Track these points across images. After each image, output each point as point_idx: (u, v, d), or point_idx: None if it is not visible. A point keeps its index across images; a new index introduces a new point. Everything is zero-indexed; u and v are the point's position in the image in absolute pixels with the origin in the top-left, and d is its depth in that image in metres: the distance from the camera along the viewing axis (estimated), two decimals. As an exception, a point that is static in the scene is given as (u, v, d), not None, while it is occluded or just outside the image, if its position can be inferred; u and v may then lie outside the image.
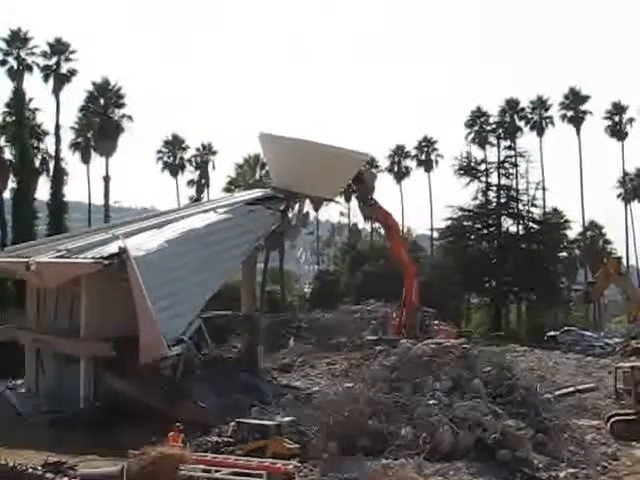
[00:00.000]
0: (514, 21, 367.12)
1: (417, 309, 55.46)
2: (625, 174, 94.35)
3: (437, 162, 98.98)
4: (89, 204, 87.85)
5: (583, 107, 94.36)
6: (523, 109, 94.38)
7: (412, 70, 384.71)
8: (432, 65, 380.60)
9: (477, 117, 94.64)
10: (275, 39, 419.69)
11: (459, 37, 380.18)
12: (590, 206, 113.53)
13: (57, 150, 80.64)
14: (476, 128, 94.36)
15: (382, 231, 72.31)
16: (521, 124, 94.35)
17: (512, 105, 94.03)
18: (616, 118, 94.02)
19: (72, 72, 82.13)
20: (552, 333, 67.84)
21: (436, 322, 57.60)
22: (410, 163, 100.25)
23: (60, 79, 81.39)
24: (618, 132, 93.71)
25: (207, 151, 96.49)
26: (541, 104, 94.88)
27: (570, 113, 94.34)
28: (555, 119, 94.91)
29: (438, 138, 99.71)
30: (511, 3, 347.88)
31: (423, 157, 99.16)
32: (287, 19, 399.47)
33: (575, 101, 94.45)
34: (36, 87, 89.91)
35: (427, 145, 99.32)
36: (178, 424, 28.83)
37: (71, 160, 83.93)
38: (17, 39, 79.81)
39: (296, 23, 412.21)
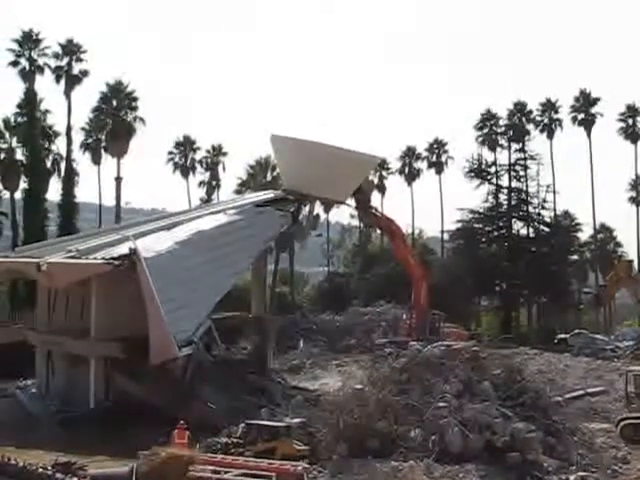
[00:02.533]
0: (521, 23, 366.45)
1: (426, 312, 55.41)
2: (638, 177, 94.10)
3: (447, 163, 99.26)
4: (99, 205, 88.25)
5: (594, 110, 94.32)
6: (531, 112, 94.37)
7: (419, 71, 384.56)
8: (438, 66, 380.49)
9: (487, 119, 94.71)
10: (279, 40, 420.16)
11: (466, 40, 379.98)
12: (601, 209, 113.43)
13: (68, 151, 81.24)
14: (486, 131, 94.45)
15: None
16: (530, 127, 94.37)
17: (520, 108, 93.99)
18: (630, 120, 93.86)
19: (83, 73, 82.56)
20: (562, 336, 67.72)
21: (447, 324, 57.56)
22: (421, 165, 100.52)
23: (72, 80, 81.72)
24: (632, 134, 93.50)
25: (218, 152, 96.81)
26: (551, 107, 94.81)
27: (581, 116, 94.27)
28: (566, 122, 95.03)
29: (449, 140, 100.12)
30: (518, 5, 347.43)
31: (434, 159, 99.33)
32: (288, 20, 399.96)
33: (586, 103, 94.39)
34: (48, 88, 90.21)
35: (438, 147, 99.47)
36: (183, 422, 28.90)
37: (81, 161, 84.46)
38: (29, 40, 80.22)
39: (297, 24, 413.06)
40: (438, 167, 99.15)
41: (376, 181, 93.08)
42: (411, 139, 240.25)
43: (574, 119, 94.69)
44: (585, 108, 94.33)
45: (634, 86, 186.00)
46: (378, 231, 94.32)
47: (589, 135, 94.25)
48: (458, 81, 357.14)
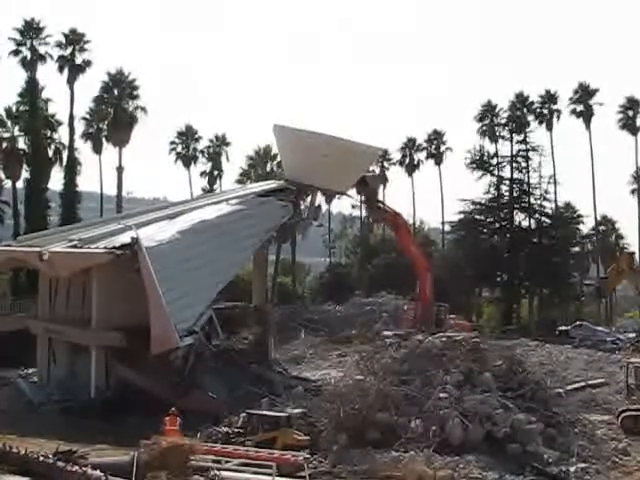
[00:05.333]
0: (521, 18, 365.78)
1: (431, 304, 55.33)
2: (639, 169, 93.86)
3: (446, 154, 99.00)
4: (101, 194, 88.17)
5: (592, 101, 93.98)
6: (532, 103, 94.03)
7: (420, 65, 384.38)
8: (439, 64, 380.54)
9: (487, 111, 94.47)
10: (283, 38, 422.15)
11: (467, 35, 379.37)
12: (604, 201, 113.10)
13: (70, 140, 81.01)
14: (486, 122, 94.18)
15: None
16: (530, 119, 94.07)
17: (521, 99, 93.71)
18: (630, 112, 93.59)
19: (87, 63, 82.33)
20: (563, 328, 67.65)
21: (452, 316, 57.51)
22: (421, 156, 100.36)
23: (75, 69, 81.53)
24: (631, 126, 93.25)
25: (220, 142, 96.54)
26: (550, 98, 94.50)
27: (580, 107, 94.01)
28: (565, 113, 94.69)
29: (448, 131, 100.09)
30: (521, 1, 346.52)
31: (433, 150, 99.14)
32: (291, 16, 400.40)
33: (584, 95, 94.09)
34: (50, 77, 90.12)
35: (437, 138, 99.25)
36: (174, 409, 29.05)
37: (83, 150, 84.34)
38: (30, 29, 80.00)
39: (300, 21, 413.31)
40: (437, 158, 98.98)
41: (377, 172, 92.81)
42: (412, 130, 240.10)
43: (573, 111, 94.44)
44: (584, 100, 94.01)
45: (634, 78, 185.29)
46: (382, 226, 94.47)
47: (588, 127, 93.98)
48: (458, 75, 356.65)
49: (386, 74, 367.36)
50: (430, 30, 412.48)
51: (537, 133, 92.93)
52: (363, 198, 54.94)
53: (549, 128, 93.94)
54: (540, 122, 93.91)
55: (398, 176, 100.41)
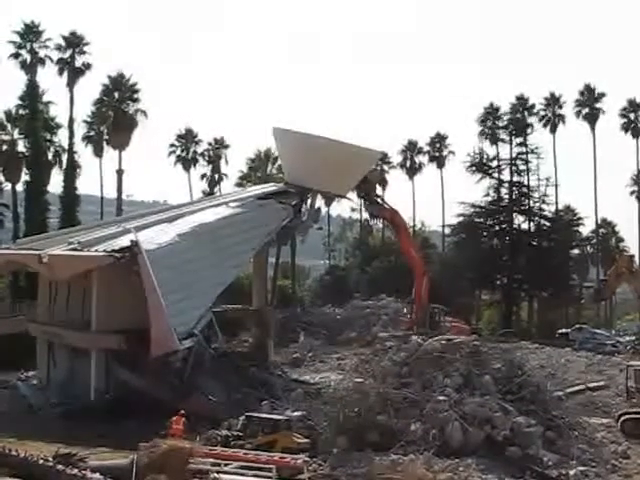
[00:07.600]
0: (523, 19, 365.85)
1: (426, 305, 55.35)
2: (639, 171, 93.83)
3: (448, 158, 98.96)
4: (101, 197, 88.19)
5: (598, 104, 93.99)
6: (533, 106, 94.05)
7: (421, 66, 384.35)
8: (439, 65, 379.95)
9: (489, 113, 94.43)
10: (283, 38, 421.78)
11: (469, 36, 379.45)
12: (603, 204, 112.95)
13: (70, 143, 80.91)
14: (489, 124, 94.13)
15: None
16: (533, 121, 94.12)
17: (523, 102, 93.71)
18: (631, 115, 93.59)
19: (86, 66, 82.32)
20: (563, 330, 67.71)
21: (449, 318, 57.48)
22: (422, 159, 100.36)
23: (74, 72, 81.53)
24: (634, 129, 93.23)
25: (220, 145, 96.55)
26: (554, 101, 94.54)
27: (585, 110, 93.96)
28: (570, 116, 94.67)
29: (450, 135, 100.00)
30: (526, 2, 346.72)
31: (435, 153, 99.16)
32: (291, 16, 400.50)
33: (590, 98, 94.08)
34: (50, 80, 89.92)
35: (439, 141, 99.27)
36: (181, 410, 29.12)
37: (83, 153, 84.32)
38: (30, 32, 79.97)
39: (300, 21, 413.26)
40: (439, 161, 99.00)
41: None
42: (413, 133, 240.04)
43: (578, 113, 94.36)
44: (590, 103, 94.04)
45: (635, 81, 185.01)
46: (380, 224, 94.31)
47: (593, 129, 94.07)
48: (461, 77, 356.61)
49: (386, 74, 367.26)
50: (430, 30, 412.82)
51: (540, 136, 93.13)
52: (362, 193, 54.94)
53: (552, 131, 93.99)
54: (544, 125, 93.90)
55: (399, 179, 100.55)
